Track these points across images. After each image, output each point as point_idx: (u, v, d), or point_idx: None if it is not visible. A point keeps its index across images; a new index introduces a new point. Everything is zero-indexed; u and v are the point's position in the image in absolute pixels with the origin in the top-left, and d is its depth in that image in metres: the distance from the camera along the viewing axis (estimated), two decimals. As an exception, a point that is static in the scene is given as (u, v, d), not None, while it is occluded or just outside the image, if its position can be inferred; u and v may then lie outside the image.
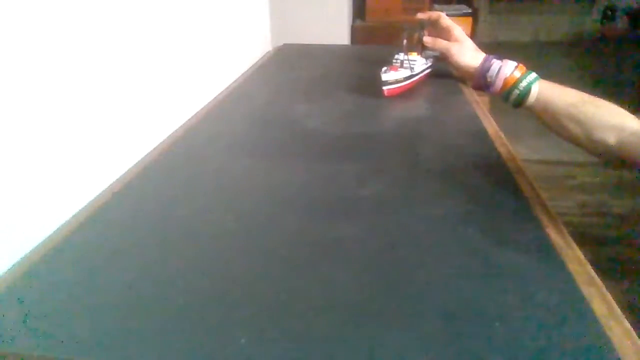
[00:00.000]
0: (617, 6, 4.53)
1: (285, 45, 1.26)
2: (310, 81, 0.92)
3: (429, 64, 0.87)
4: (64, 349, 0.31)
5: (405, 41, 0.81)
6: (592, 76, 3.52)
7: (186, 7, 0.74)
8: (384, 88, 0.77)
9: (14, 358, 0.31)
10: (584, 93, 0.62)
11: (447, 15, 0.80)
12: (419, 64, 0.83)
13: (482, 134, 0.64)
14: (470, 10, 2.51)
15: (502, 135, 0.63)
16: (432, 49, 0.81)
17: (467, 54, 0.75)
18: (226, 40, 0.94)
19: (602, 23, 4.66)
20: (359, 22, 1.99)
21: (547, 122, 0.64)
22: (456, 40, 0.77)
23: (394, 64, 0.80)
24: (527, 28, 4.70)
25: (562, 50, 4.37)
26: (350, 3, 1.79)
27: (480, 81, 0.71)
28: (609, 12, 4.57)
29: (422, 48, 0.81)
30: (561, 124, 0.60)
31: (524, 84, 0.64)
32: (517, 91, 0.64)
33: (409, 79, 0.80)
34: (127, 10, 0.57)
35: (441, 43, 0.78)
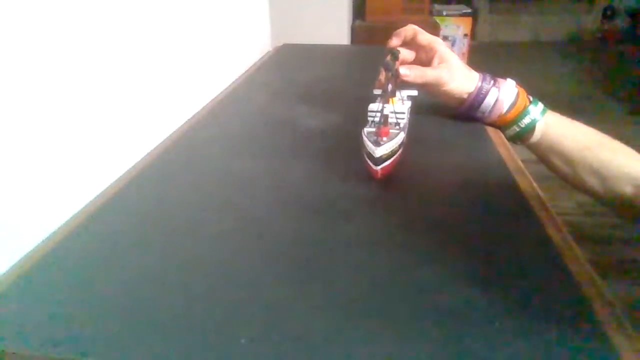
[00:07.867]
0: (617, 6, 4.54)
1: (285, 45, 1.26)
2: (310, 81, 0.92)
3: (408, 106, 0.58)
4: (64, 349, 0.31)
5: (390, 85, 0.53)
6: (592, 76, 3.52)
7: (186, 7, 0.74)
8: (378, 168, 0.48)
9: (14, 358, 0.31)
10: (596, 131, 0.54)
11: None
12: (404, 112, 0.55)
13: (482, 134, 0.64)
14: (470, 10, 2.53)
15: (502, 135, 0.63)
16: (414, 84, 0.58)
17: (459, 76, 0.59)
18: (226, 40, 0.94)
19: (602, 23, 4.66)
20: (359, 22, 2.00)
21: (552, 163, 0.56)
22: (441, 60, 0.59)
23: (374, 121, 0.51)
24: (527, 28, 4.71)
25: (562, 50, 4.37)
26: (350, 3, 1.80)
27: (472, 112, 0.62)
28: (609, 12, 4.58)
29: (395, 86, 0.55)
30: (573, 167, 0.54)
31: (526, 120, 0.56)
32: (516, 128, 0.57)
33: (402, 143, 0.51)
34: (126, 10, 0.57)
35: (426, 74, 0.58)
